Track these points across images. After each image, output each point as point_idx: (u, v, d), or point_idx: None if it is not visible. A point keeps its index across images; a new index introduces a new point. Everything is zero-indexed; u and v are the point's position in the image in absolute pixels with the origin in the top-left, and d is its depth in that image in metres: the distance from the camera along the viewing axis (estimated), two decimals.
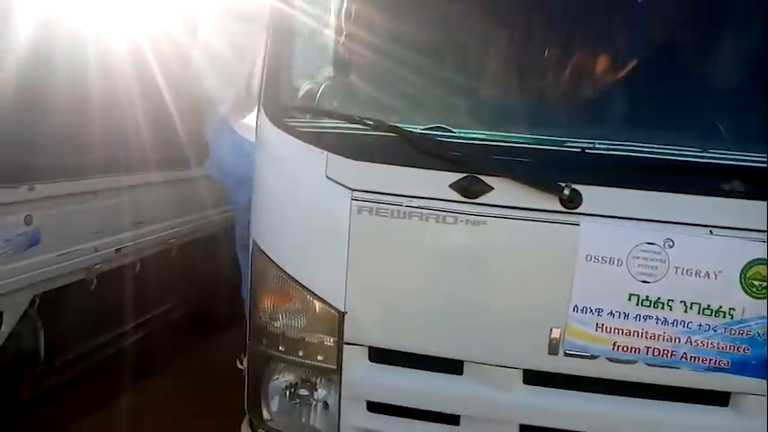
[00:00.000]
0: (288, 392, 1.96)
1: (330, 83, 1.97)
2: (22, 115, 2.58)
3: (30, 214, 2.68)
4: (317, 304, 1.85)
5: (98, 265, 3.19)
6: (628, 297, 1.72)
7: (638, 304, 1.72)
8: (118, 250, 3.32)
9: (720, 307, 1.69)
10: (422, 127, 1.84)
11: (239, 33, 2.08)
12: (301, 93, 1.98)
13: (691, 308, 1.70)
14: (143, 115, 3.16)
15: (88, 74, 2.93)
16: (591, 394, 1.81)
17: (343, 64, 1.99)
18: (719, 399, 1.79)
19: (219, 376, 3.41)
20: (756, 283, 1.67)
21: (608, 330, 1.73)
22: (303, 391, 1.95)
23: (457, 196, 1.76)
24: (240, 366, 2.64)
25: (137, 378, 3.76)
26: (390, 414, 1.89)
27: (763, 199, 1.64)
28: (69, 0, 2.88)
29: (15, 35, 2.55)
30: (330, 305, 1.83)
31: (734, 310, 1.69)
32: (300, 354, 1.90)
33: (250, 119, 2.09)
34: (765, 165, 1.66)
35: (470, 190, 1.75)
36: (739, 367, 1.71)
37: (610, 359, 1.75)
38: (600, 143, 1.77)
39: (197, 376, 3.95)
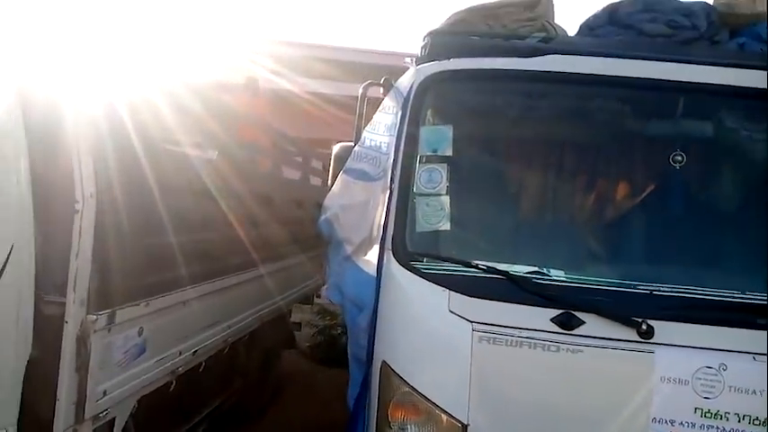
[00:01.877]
0: None
1: (449, 231, 2.44)
2: (145, 239, 2.95)
3: (142, 326, 2.99)
4: (444, 417, 2.25)
5: (180, 368, 3.47)
6: (694, 410, 2.19)
7: (702, 416, 2.19)
8: (194, 352, 3.61)
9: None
10: (527, 271, 2.33)
11: (366, 189, 2.56)
12: (424, 240, 2.44)
13: (743, 419, 2.19)
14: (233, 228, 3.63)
15: (191, 197, 3.37)
16: None
17: (460, 215, 2.48)
18: None
19: None
20: None
21: None
22: None
23: (557, 328, 2.23)
24: None
25: None
26: None
27: None
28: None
29: (129, 156, 2.87)
30: (455, 418, 2.24)
31: None
32: None
33: (370, 255, 2.53)
34: None
35: (567, 324, 2.22)
36: None
37: None
38: (662, 286, 2.30)
39: None
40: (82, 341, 2.42)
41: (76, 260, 2.35)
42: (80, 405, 2.44)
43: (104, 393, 2.64)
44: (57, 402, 2.35)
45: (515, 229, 2.53)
